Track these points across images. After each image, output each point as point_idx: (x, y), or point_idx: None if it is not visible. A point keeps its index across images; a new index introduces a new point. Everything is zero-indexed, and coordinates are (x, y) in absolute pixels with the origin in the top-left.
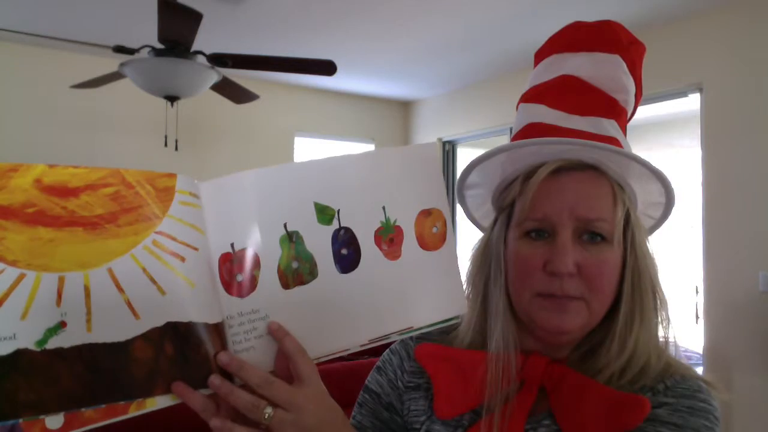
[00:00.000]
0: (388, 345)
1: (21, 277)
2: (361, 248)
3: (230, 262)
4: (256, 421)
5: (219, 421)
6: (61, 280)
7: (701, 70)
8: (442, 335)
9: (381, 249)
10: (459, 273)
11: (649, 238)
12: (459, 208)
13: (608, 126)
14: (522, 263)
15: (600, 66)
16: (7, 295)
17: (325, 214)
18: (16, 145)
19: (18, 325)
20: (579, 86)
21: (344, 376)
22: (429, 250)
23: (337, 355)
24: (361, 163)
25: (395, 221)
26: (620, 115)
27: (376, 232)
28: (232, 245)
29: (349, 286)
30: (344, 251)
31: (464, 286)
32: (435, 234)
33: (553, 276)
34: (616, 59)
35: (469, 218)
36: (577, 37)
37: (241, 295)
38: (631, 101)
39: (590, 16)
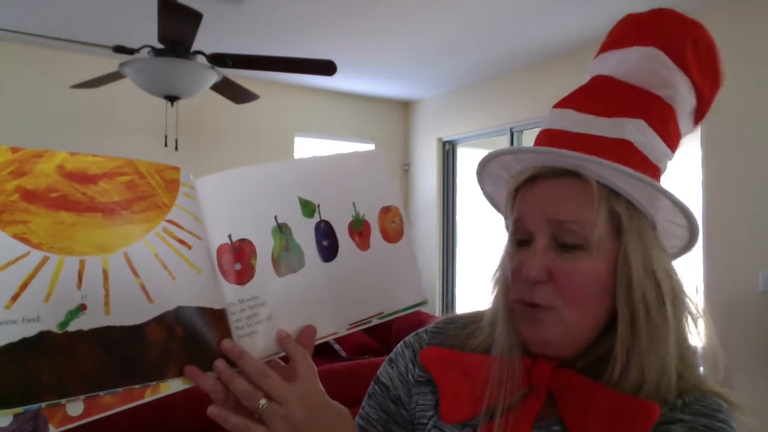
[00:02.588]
0: (393, 335)
1: (45, 260)
2: (338, 239)
3: (229, 251)
4: (251, 409)
5: (216, 410)
6: (82, 263)
7: None
8: (457, 331)
9: (354, 240)
10: (416, 264)
11: (657, 243)
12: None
13: (630, 127)
14: (509, 270)
15: (635, 62)
16: (32, 277)
17: (308, 208)
18: (16, 145)
19: (41, 307)
20: (611, 86)
21: (344, 376)
22: (391, 243)
23: (330, 338)
24: (333, 163)
25: (363, 215)
26: (656, 111)
27: (349, 225)
28: (229, 236)
29: (331, 273)
30: (325, 242)
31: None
32: (394, 228)
33: (523, 283)
34: (652, 52)
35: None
36: (621, 32)
37: (240, 283)
38: (682, 94)
39: (591, 15)
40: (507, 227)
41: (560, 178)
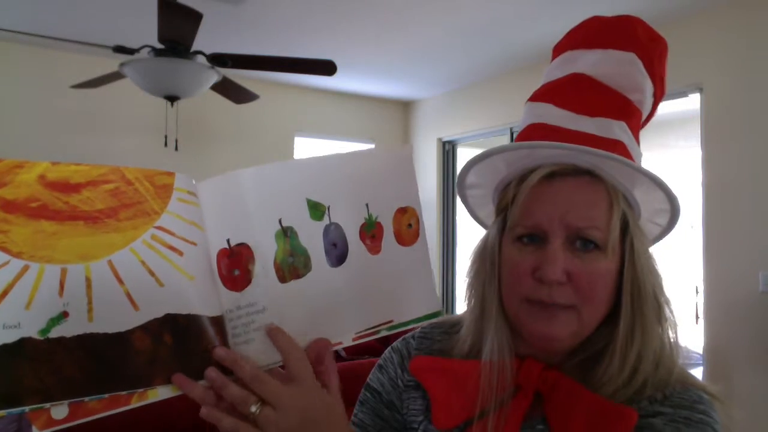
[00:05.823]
0: (385, 340)
1: (25, 268)
2: (348, 243)
3: (227, 257)
4: (245, 414)
5: (207, 410)
6: (64, 271)
7: (701, 70)
8: (443, 335)
9: (365, 244)
10: (431, 270)
11: (649, 245)
12: (458, 208)
13: (616, 128)
14: (512, 268)
15: (614, 64)
16: (11, 285)
17: (317, 210)
18: (16, 146)
19: (22, 315)
20: (590, 85)
21: (344, 376)
22: (405, 246)
23: (334, 349)
24: (347, 162)
25: (376, 218)
26: (632, 115)
27: (361, 227)
28: (228, 240)
29: (339, 279)
30: (334, 246)
31: (466, 287)
32: (410, 231)
33: (541, 283)
34: (632, 57)
35: (473, 218)
36: (593, 33)
37: (238, 289)
38: (647, 101)
39: (590, 15)
40: (498, 221)
41: (578, 178)
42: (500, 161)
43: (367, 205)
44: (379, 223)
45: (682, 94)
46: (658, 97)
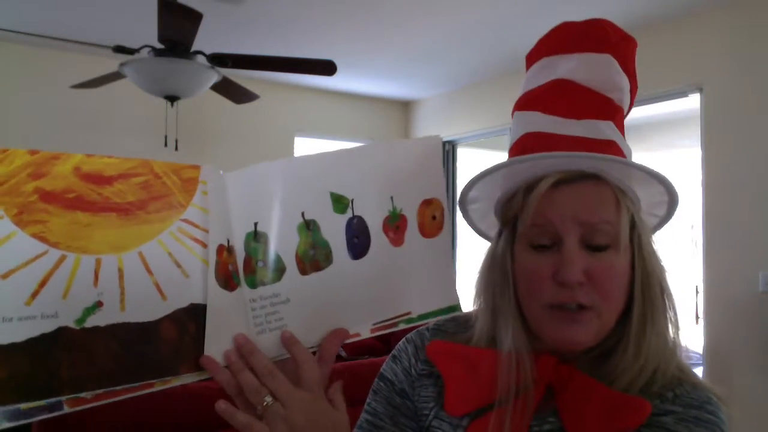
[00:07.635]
0: (394, 334)
1: (62, 258)
2: (371, 236)
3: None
4: (255, 404)
5: (224, 405)
6: (98, 262)
7: (701, 70)
8: (458, 328)
9: (387, 236)
10: (452, 262)
11: (654, 238)
12: (458, 208)
13: (605, 128)
14: (530, 275)
15: (592, 67)
16: (50, 274)
17: (340, 203)
18: (16, 146)
19: (59, 304)
20: (572, 89)
21: (344, 376)
22: (428, 238)
23: (351, 341)
24: (373, 154)
25: (401, 210)
26: (616, 114)
27: (384, 220)
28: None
29: (359, 271)
30: (356, 239)
31: (474, 295)
32: (434, 222)
33: (563, 286)
34: (608, 58)
35: (475, 231)
36: (567, 38)
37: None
38: (626, 98)
39: (590, 15)
40: (506, 231)
41: (584, 182)
42: (503, 175)
43: (391, 197)
44: (403, 215)
45: (682, 94)
46: (634, 92)
